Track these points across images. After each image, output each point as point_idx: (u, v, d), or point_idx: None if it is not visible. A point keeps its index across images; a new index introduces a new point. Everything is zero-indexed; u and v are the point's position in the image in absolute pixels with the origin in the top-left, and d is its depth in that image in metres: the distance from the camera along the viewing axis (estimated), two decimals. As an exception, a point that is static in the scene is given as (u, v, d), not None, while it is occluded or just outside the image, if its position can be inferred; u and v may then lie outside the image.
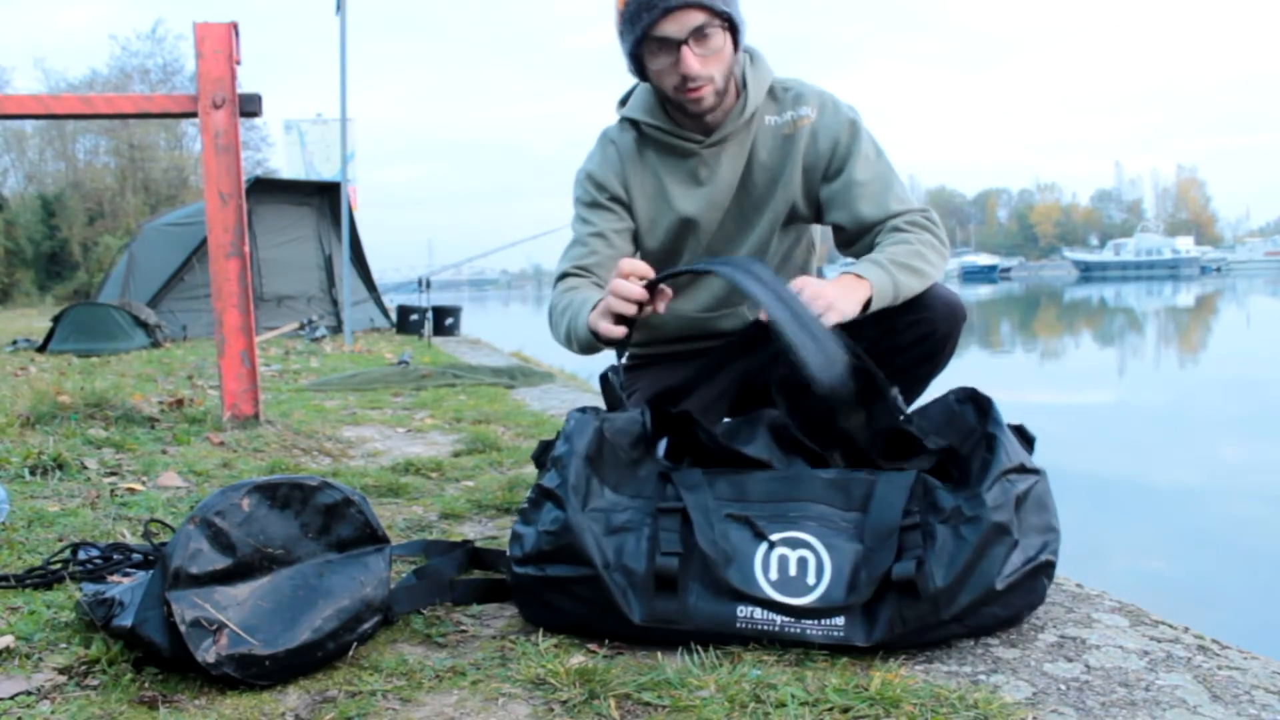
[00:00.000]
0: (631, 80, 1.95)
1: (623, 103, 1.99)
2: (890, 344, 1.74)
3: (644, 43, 1.75)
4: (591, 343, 1.70)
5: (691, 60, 1.72)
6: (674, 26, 1.70)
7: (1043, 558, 1.37)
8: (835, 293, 1.56)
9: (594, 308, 1.65)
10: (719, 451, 1.49)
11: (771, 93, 1.91)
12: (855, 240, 1.86)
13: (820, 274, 2.14)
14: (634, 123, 1.94)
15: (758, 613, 1.32)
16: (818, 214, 1.94)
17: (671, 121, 1.90)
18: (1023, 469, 1.40)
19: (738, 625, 1.33)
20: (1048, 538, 1.38)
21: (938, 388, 1.66)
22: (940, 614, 1.30)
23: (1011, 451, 1.41)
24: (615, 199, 1.95)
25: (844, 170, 1.85)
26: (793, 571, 1.33)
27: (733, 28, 1.76)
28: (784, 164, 1.89)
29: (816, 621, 1.31)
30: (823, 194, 1.89)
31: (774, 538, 1.35)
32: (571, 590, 1.37)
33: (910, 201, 1.84)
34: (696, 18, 1.70)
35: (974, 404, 1.49)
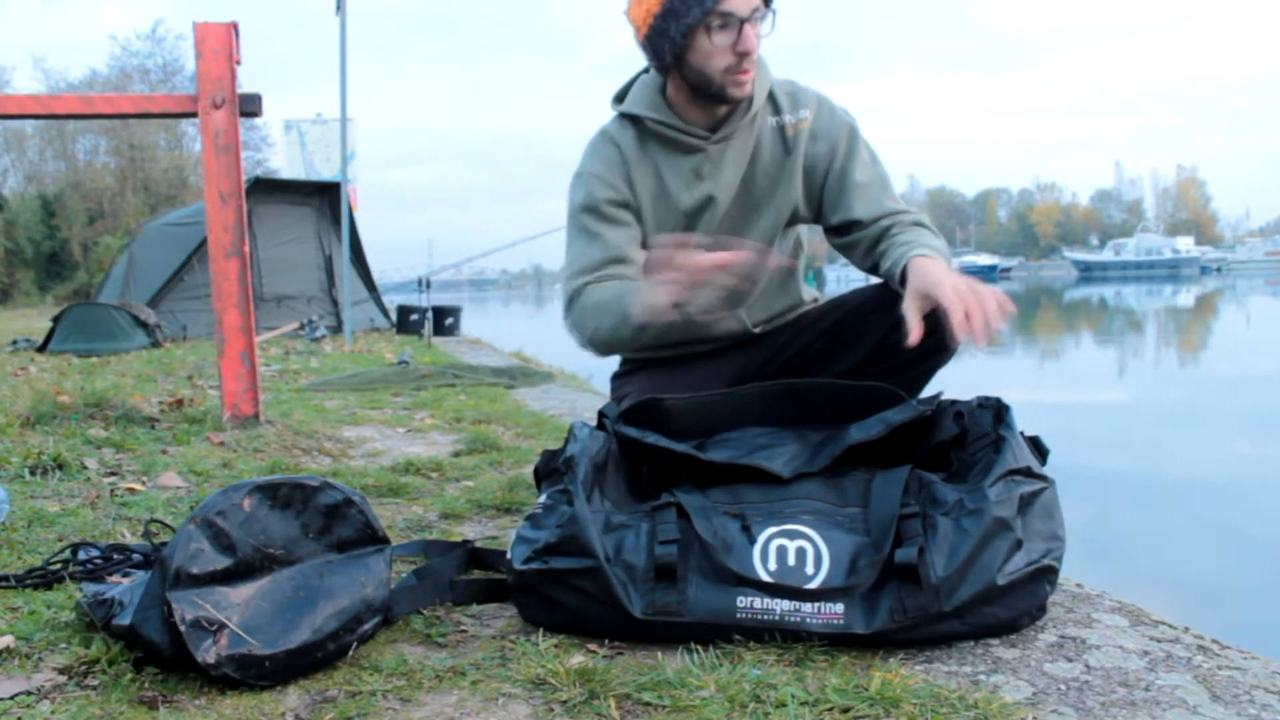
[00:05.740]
0: (629, 75, 1.94)
1: (618, 99, 1.96)
2: (897, 338, 1.74)
3: (706, 18, 1.74)
4: (643, 322, 1.72)
5: (753, 37, 1.75)
6: (741, 3, 1.74)
7: (1045, 561, 1.38)
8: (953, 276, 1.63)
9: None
10: (710, 468, 1.51)
11: (770, 94, 1.92)
12: (850, 234, 1.90)
13: (820, 274, 2.15)
14: (634, 119, 1.91)
15: (758, 601, 1.33)
16: (817, 215, 1.95)
17: (677, 116, 1.88)
18: (1029, 473, 1.41)
19: (738, 615, 1.33)
20: (1052, 545, 1.39)
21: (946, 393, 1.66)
22: (941, 605, 1.31)
23: (1018, 454, 1.42)
24: (624, 203, 1.92)
25: (845, 173, 1.89)
26: (791, 561, 1.34)
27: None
28: (785, 166, 1.90)
29: (816, 609, 1.31)
30: (824, 196, 1.92)
31: (771, 530, 1.37)
32: (572, 583, 1.37)
33: (904, 204, 1.90)
34: None
35: (993, 410, 1.51)
